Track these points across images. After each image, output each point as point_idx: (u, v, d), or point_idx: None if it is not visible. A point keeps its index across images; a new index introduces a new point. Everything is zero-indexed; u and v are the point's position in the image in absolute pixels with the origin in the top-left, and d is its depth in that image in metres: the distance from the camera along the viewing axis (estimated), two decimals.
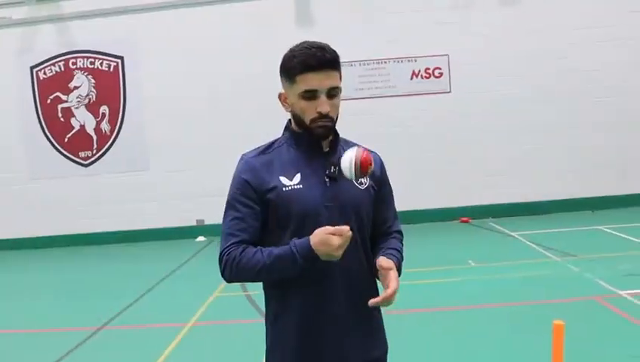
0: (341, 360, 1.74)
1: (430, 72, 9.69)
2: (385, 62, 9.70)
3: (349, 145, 1.86)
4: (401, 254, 1.85)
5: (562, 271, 6.03)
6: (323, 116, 1.69)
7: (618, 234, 7.68)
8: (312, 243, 1.59)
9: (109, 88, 9.69)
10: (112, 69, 9.72)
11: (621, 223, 8.23)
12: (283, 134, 1.85)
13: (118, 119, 9.73)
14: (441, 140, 9.61)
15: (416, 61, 9.69)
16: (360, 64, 9.61)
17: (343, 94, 8.07)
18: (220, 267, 1.74)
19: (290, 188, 1.70)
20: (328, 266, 1.66)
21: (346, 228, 1.57)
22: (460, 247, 7.65)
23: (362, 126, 9.34)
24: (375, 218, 1.83)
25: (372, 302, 1.63)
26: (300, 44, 1.72)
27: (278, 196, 1.69)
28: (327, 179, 1.72)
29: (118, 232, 9.63)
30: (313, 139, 1.74)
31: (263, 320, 5.24)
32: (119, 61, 9.69)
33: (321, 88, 1.67)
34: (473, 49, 9.48)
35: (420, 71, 9.69)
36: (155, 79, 9.54)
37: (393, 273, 1.66)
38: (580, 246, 7.06)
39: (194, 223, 9.65)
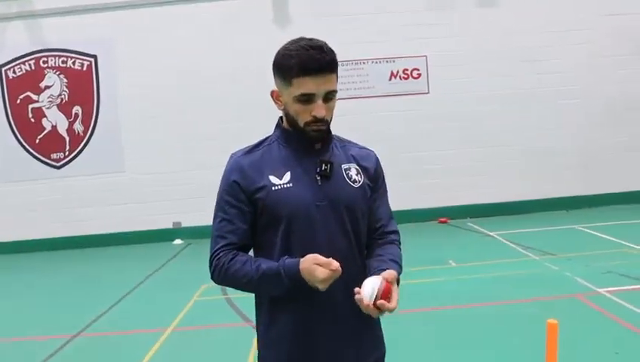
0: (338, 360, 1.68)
1: (408, 72, 9.72)
2: (363, 63, 9.69)
3: (344, 143, 1.83)
4: (399, 262, 1.76)
5: (542, 270, 6.09)
6: (318, 120, 1.63)
7: (592, 232, 7.81)
8: (300, 267, 1.54)
9: (82, 88, 9.43)
10: (85, 68, 9.47)
11: (594, 222, 8.38)
12: (274, 132, 1.79)
13: (91, 120, 9.48)
14: (420, 141, 9.65)
15: (394, 62, 9.71)
16: (340, 64, 9.54)
17: None
18: (210, 269, 1.69)
19: (279, 187, 1.64)
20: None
21: (335, 263, 1.51)
22: (440, 248, 7.67)
23: (341, 127, 9.29)
24: (369, 217, 1.77)
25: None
26: (296, 41, 1.64)
27: (268, 196, 1.64)
28: (318, 178, 1.67)
29: (92, 236, 9.39)
30: (305, 137, 1.68)
31: (244, 324, 5.16)
32: (92, 60, 9.45)
33: (318, 92, 1.61)
34: (451, 50, 9.56)
35: (398, 72, 9.72)
36: (130, 79, 9.34)
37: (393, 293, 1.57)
38: (558, 245, 7.15)
39: (170, 226, 9.48)
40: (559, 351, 3.91)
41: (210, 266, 1.67)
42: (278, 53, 1.66)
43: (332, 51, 1.63)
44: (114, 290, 6.47)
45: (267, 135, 1.80)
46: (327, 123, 1.66)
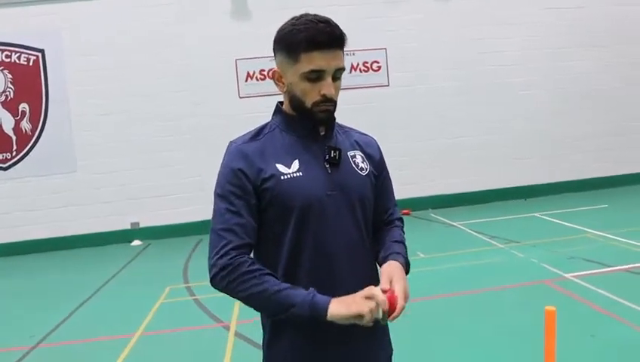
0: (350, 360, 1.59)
1: (369, 65, 9.70)
2: None
3: (344, 128, 1.74)
4: (405, 246, 1.72)
5: (509, 258, 6.19)
6: (327, 99, 1.52)
7: (552, 219, 8.02)
8: (331, 308, 1.41)
9: (29, 84, 8.90)
10: (31, 63, 8.94)
11: (552, 209, 8.63)
12: (272, 118, 1.66)
13: (40, 117, 8.96)
14: (380, 133, 9.54)
15: (354, 55, 9.65)
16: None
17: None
18: (213, 269, 1.49)
19: (288, 176, 1.52)
20: (337, 259, 1.54)
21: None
22: (406, 240, 7.67)
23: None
24: (375, 205, 1.69)
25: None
26: (301, 17, 1.53)
27: (277, 185, 1.51)
28: (327, 166, 1.56)
29: (45, 240, 8.91)
30: (309, 123, 1.57)
31: (216, 325, 4.98)
32: (39, 55, 8.93)
33: (328, 69, 1.49)
34: (410, 43, 9.61)
35: (358, 64, 9.68)
36: (80, 74, 8.90)
37: (399, 287, 1.49)
38: (521, 232, 7.31)
39: (128, 226, 9.12)
40: (536, 337, 3.96)
41: (214, 265, 1.48)
42: (282, 29, 1.54)
43: (339, 26, 1.52)
44: (72, 296, 6.13)
45: (265, 122, 1.68)
46: (335, 104, 1.56)
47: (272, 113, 1.69)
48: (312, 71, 1.48)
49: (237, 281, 1.46)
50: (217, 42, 9.14)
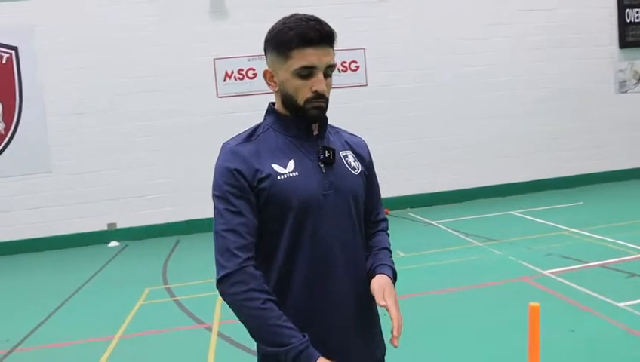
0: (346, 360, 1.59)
1: (347, 65, 9.72)
2: None
3: (335, 128, 1.75)
4: (391, 252, 1.75)
5: (488, 256, 6.27)
6: (319, 96, 1.52)
7: (528, 217, 8.17)
8: None
9: (2, 82, 8.64)
10: (4, 61, 8.70)
11: (528, 207, 8.79)
12: (265, 119, 1.66)
13: (13, 117, 8.73)
14: (358, 133, 9.61)
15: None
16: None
17: (260, 88, 7.92)
18: (220, 271, 1.49)
19: (285, 176, 1.52)
20: (333, 257, 1.55)
21: None
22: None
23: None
24: (364, 205, 1.71)
25: (397, 343, 1.50)
26: (291, 16, 1.54)
27: (274, 186, 1.50)
28: (321, 165, 1.57)
29: (19, 242, 8.70)
30: (303, 123, 1.58)
31: (198, 326, 4.93)
32: (13, 52, 8.70)
33: (319, 65, 1.50)
34: (388, 43, 9.67)
35: (336, 64, 9.68)
36: (56, 72, 8.71)
37: (390, 302, 1.53)
38: (498, 230, 7.42)
39: (105, 228, 8.97)
40: (518, 334, 4.03)
41: (221, 267, 1.48)
42: (273, 29, 1.55)
43: (328, 24, 1.54)
44: (49, 299, 6.01)
45: (257, 123, 1.67)
46: (327, 101, 1.56)
47: (263, 113, 1.70)
48: (304, 67, 1.49)
49: (240, 301, 1.47)
50: (195, 41, 9.05)
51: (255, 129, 1.64)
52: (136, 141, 8.99)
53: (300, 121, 1.58)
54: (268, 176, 1.51)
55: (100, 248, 8.67)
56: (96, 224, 8.93)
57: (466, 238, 7.20)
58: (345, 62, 9.70)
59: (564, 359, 3.55)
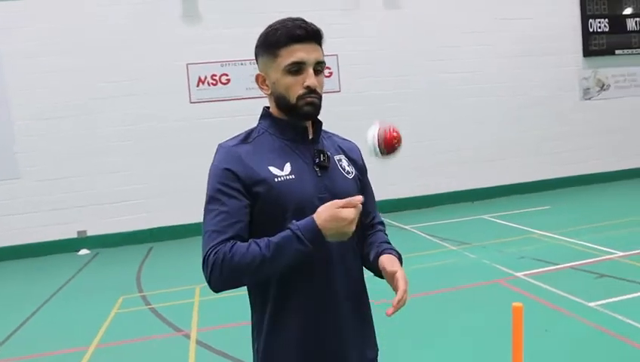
0: (342, 360, 1.62)
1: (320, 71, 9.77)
2: None
3: (328, 133, 1.78)
4: (391, 245, 1.77)
5: (462, 259, 6.39)
6: (311, 91, 1.55)
7: (499, 221, 8.35)
8: (318, 221, 1.42)
9: None
10: None
11: (499, 211, 8.99)
12: (260, 123, 1.68)
13: None
14: None
15: None
16: (251, 63, 9.40)
17: (234, 94, 7.95)
18: (205, 271, 1.47)
19: (282, 178, 1.53)
20: (329, 259, 1.56)
21: (358, 198, 1.43)
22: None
23: (253, 125, 9.18)
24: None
25: (390, 312, 1.52)
26: (277, 21, 1.58)
27: (271, 188, 1.51)
28: (317, 169, 1.59)
29: None
30: (299, 126, 1.61)
31: (176, 334, 4.88)
32: None
33: (308, 60, 1.53)
34: (361, 50, 9.77)
35: None
36: (23, 76, 8.51)
37: (400, 273, 1.56)
38: (471, 234, 7.56)
39: (75, 235, 8.78)
40: (497, 335, 4.12)
41: (206, 266, 1.46)
42: (261, 35, 1.60)
43: (315, 24, 1.58)
44: (18, 310, 5.83)
45: (251, 127, 1.69)
46: (320, 97, 1.59)
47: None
48: (294, 63, 1.52)
49: (230, 268, 1.43)
50: (168, 46, 8.97)
51: (250, 132, 1.65)
52: (107, 146, 8.84)
53: (295, 123, 1.60)
54: (265, 179, 1.51)
55: (69, 256, 8.47)
56: (66, 231, 8.73)
57: (441, 242, 7.31)
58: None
59: (540, 358, 3.64)
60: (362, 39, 9.77)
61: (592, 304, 4.54)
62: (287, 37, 1.52)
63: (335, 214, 1.40)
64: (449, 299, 5.05)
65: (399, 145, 1.60)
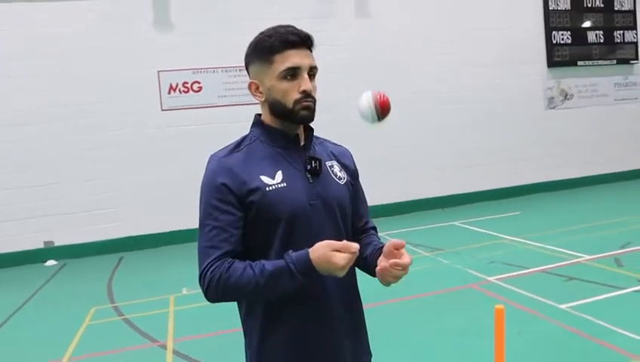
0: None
1: None
2: None
3: (319, 139, 1.80)
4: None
5: (436, 265, 6.48)
6: (307, 95, 1.57)
7: (470, 227, 8.51)
8: (312, 257, 1.44)
9: None
10: None
11: (469, 218, 9.16)
12: (251, 130, 1.69)
13: None
14: None
15: None
16: (222, 70, 9.39)
17: (205, 102, 7.98)
18: (202, 287, 1.52)
19: (274, 187, 1.55)
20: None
21: (355, 245, 1.44)
22: None
23: (226, 133, 9.15)
24: (352, 214, 1.76)
25: (392, 262, 1.50)
26: (268, 28, 1.59)
27: (263, 197, 1.53)
28: (308, 176, 1.61)
29: None
30: (290, 133, 1.62)
31: (151, 344, 4.81)
32: None
33: (303, 65, 1.56)
34: (332, 58, 9.84)
35: None
36: None
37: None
38: (443, 240, 7.68)
39: (41, 245, 8.54)
40: (473, 337, 4.21)
41: (203, 282, 1.51)
42: (252, 43, 1.61)
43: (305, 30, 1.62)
44: None
45: (243, 135, 1.69)
46: (315, 101, 1.60)
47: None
48: (289, 68, 1.54)
49: (226, 289, 1.49)
50: (139, 53, 8.87)
51: (242, 140, 1.66)
52: (75, 154, 8.64)
53: (287, 130, 1.61)
54: (257, 189, 1.53)
55: (36, 267, 8.23)
56: (32, 242, 8.48)
57: (414, 248, 7.40)
58: None
59: (515, 359, 3.73)
60: (335, 48, 9.84)
61: (563, 306, 4.68)
62: (281, 43, 1.53)
63: (328, 257, 1.42)
64: (425, 303, 5.12)
65: (390, 109, 1.65)
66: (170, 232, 8.90)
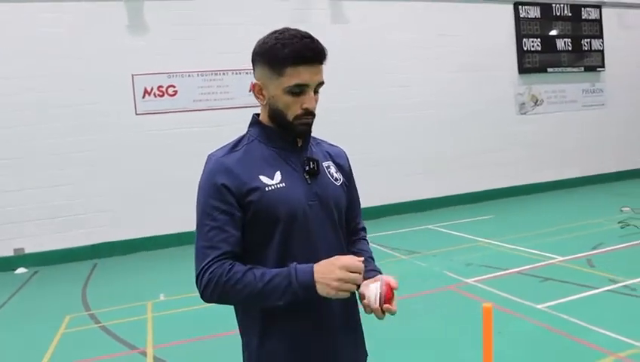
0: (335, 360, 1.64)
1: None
2: (223, 74, 9.55)
3: (316, 140, 1.81)
4: (374, 260, 1.85)
5: (414, 268, 6.55)
6: (308, 113, 1.58)
7: (445, 230, 8.62)
8: (316, 276, 1.45)
9: None
10: None
11: (444, 221, 9.28)
12: (249, 130, 1.68)
13: None
14: None
15: (248, 74, 9.66)
16: (198, 75, 9.32)
17: (181, 106, 7.95)
18: (199, 286, 1.50)
19: (273, 187, 1.55)
20: None
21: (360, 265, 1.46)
22: None
23: (201, 138, 9.09)
24: (346, 214, 1.77)
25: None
26: (284, 31, 1.57)
27: (263, 197, 1.52)
28: (306, 176, 1.62)
29: None
30: (289, 136, 1.62)
31: (130, 352, 4.73)
32: None
33: (311, 83, 1.56)
34: None
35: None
36: None
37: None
38: (420, 244, 7.76)
39: (11, 253, 8.30)
40: (455, 337, 4.26)
41: (200, 282, 1.49)
42: (265, 42, 1.56)
43: (320, 42, 1.59)
44: None
45: (240, 135, 1.69)
46: (314, 116, 1.62)
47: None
48: (297, 85, 1.53)
49: (223, 292, 1.48)
50: (113, 56, 8.73)
51: (240, 140, 1.66)
52: (46, 159, 8.44)
53: (285, 132, 1.61)
54: (256, 189, 1.52)
55: (6, 275, 7.99)
56: (1, 249, 8.24)
57: (392, 252, 7.46)
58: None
59: (497, 359, 3.79)
60: None
61: (540, 306, 4.79)
62: (295, 57, 1.50)
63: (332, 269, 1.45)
64: (406, 306, 5.13)
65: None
66: (144, 238, 8.76)
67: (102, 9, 8.69)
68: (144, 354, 4.49)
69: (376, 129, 10.40)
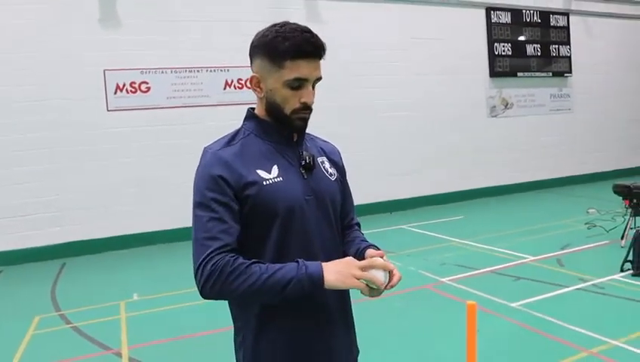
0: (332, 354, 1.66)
1: (243, 82, 9.72)
2: (197, 71, 9.43)
3: (309, 136, 1.81)
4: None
5: None
6: (306, 107, 1.58)
7: (418, 230, 8.72)
8: (326, 276, 1.46)
9: None
10: None
11: (417, 221, 9.39)
12: (245, 124, 1.67)
13: None
14: None
15: (228, 71, 9.63)
16: (172, 71, 9.19)
17: (154, 103, 7.87)
18: (199, 279, 1.45)
19: (270, 181, 1.54)
20: (315, 260, 1.56)
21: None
22: None
23: (174, 135, 8.97)
24: (340, 210, 1.78)
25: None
26: (284, 24, 1.56)
27: (261, 191, 1.51)
28: (302, 171, 1.62)
29: None
30: (285, 130, 1.61)
31: (105, 352, 4.63)
32: None
33: (310, 77, 1.56)
34: None
35: (232, 81, 9.65)
36: None
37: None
38: (394, 243, 7.81)
39: None
40: (429, 337, 4.31)
41: (201, 274, 1.44)
42: (265, 35, 1.55)
43: (320, 37, 1.59)
44: None
45: (235, 129, 1.67)
46: (311, 111, 1.62)
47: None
48: (296, 79, 1.52)
49: (226, 284, 1.43)
50: (84, 51, 8.51)
51: (236, 133, 1.64)
52: (11, 155, 8.17)
53: (282, 127, 1.61)
54: (254, 182, 1.51)
55: None
56: None
57: None
58: (241, 79, 9.68)
59: (477, 357, 3.85)
60: None
61: (514, 304, 4.89)
62: (295, 51, 1.50)
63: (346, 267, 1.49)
64: (383, 305, 5.16)
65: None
66: (115, 237, 8.57)
67: (73, 2, 8.47)
68: (119, 354, 4.40)
69: (349, 131, 10.42)
